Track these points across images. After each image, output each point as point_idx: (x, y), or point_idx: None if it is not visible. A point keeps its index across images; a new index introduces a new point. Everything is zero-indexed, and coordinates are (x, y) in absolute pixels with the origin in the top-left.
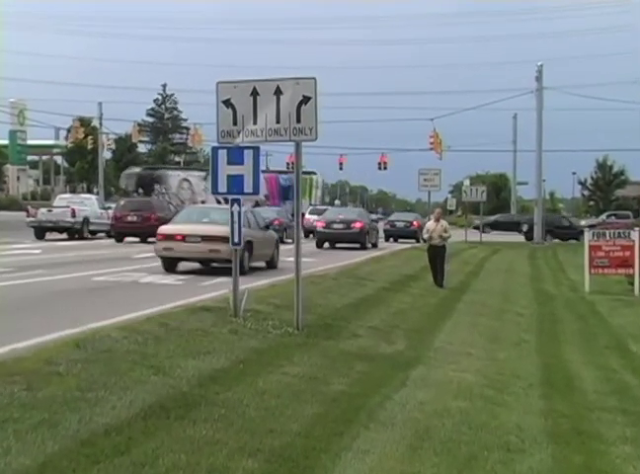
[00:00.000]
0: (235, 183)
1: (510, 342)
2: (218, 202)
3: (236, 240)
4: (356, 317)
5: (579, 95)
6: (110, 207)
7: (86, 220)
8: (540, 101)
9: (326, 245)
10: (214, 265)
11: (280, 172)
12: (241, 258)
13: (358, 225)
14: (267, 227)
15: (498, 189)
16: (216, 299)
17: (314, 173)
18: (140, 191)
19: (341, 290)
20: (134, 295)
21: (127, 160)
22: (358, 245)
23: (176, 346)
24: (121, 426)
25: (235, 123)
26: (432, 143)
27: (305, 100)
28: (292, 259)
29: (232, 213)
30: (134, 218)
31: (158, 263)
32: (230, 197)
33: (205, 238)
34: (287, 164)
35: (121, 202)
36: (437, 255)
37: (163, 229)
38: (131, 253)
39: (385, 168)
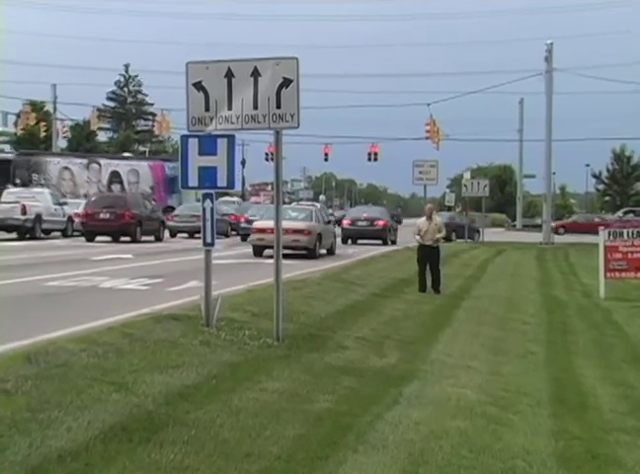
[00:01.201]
0: (207, 175)
1: (515, 354)
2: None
3: (208, 240)
4: (343, 326)
5: (593, 77)
6: (65, 203)
7: (38, 218)
8: (550, 84)
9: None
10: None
11: (166, 159)
12: (314, 246)
13: (381, 223)
14: (328, 222)
15: (502, 182)
16: (186, 307)
17: None
18: (17, 181)
19: (326, 296)
20: (94, 302)
21: (85, 149)
22: (380, 241)
23: (140, 359)
24: (78, 450)
25: (207, 109)
26: (428, 132)
27: (286, 82)
28: (279, 263)
29: (204, 210)
30: (107, 215)
31: (121, 266)
32: (202, 191)
33: (289, 230)
34: (267, 154)
35: (92, 198)
36: (430, 257)
37: (257, 224)
38: (91, 254)
39: (376, 159)
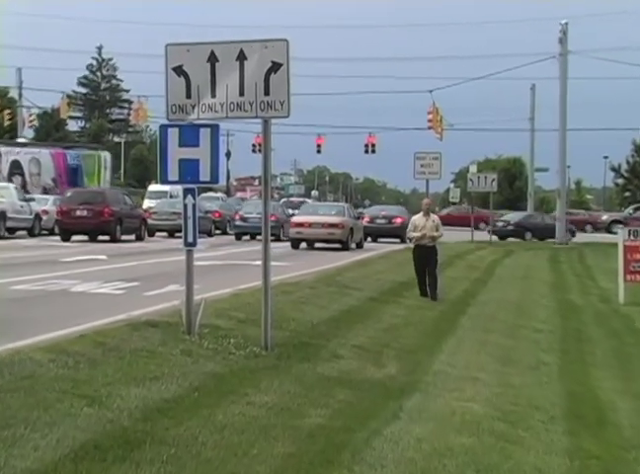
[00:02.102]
0: (189, 169)
1: (526, 365)
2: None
3: (190, 239)
4: (337, 334)
5: (612, 60)
6: (32, 199)
7: (2, 215)
8: (564, 68)
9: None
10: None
11: (68, 147)
12: (347, 239)
13: (398, 221)
14: (357, 218)
15: (511, 176)
16: (165, 312)
17: (100, 149)
18: None
19: (319, 301)
20: (64, 308)
21: (55, 140)
22: (398, 240)
23: (115, 370)
24: (46, 471)
25: (189, 96)
26: (430, 121)
27: (275, 67)
28: (268, 264)
29: (185, 207)
30: (84, 213)
31: (94, 268)
32: (183, 186)
33: (325, 225)
34: (254, 145)
35: (68, 194)
36: (426, 258)
37: (295, 219)
38: (61, 255)
39: (373, 151)
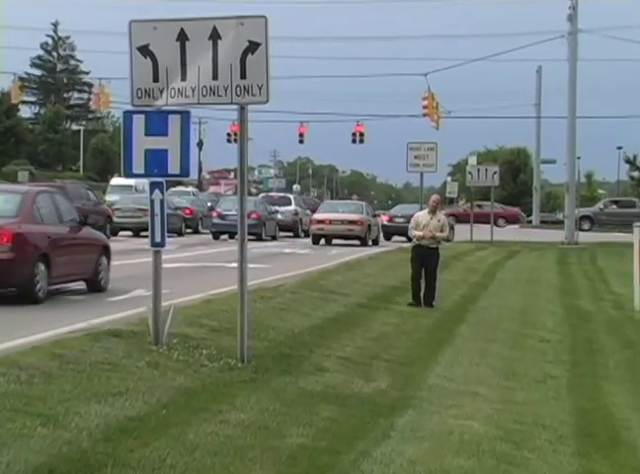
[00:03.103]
0: (156, 160)
1: (531, 378)
2: None
3: (157, 239)
4: (322, 344)
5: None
6: None
7: None
8: (574, 48)
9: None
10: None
11: None
12: (365, 235)
13: None
14: (374, 216)
15: (515, 169)
16: (130, 320)
17: None
18: None
19: (302, 308)
20: (16, 315)
21: (6, 128)
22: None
23: (73, 385)
24: None
25: (156, 79)
26: (425, 107)
27: (252, 47)
28: (244, 266)
29: (152, 203)
30: None
31: None
32: (149, 179)
33: (344, 221)
34: (229, 135)
35: None
36: (426, 260)
37: (317, 216)
38: None
39: (362, 141)
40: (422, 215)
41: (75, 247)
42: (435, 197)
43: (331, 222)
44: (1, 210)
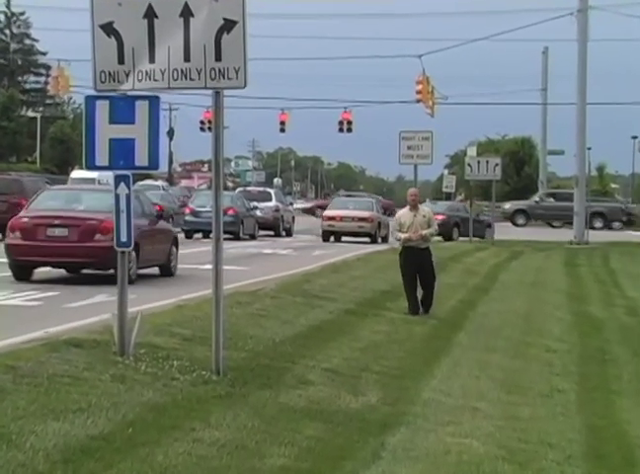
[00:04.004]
0: (122, 151)
1: (537, 392)
2: None
3: (123, 239)
4: (305, 354)
5: None
6: None
7: None
8: (584, 27)
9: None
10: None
11: None
12: (375, 232)
13: (439, 217)
14: (384, 213)
15: (519, 161)
16: (93, 329)
17: None
18: None
19: (283, 314)
20: None
21: None
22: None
23: (29, 401)
24: None
25: (121, 61)
26: (419, 93)
27: (228, 26)
28: (220, 268)
29: (117, 198)
30: None
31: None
32: (114, 172)
33: (355, 218)
34: (202, 123)
35: None
36: (418, 263)
37: (327, 213)
38: None
39: (350, 130)
40: (404, 214)
41: (154, 237)
42: (412, 190)
43: (341, 219)
44: (101, 207)
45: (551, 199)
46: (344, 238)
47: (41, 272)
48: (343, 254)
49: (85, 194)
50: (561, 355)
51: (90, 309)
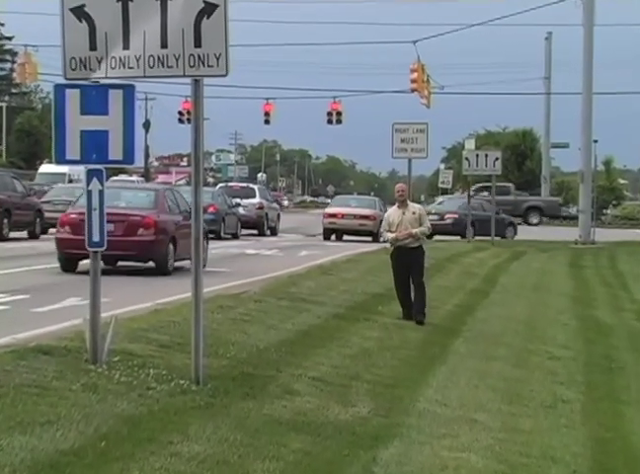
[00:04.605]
0: (94, 144)
1: (539, 402)
2: None
3: (95, 238)
4: (291, 362)
5: None
6: None
7: None
8: (590, 11)
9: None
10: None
11: None
12: (377, 231)
13: (451, 216)
14: (386, 211)
15: (520, 154)
16: (63, 335)
17: None
18: None
19: (268, 319)
20: None
21: None
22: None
23: None
24: None
25: (93, 47)
26: (414, 82)
27: (209, 9)
28: (199, 270)
29: (89, 194)
30: None
31: None
32: (86, 167)
33: (357, 216)
34: (181, 113)
35: None
36: (410, 264)
37: (328, 210)
38: None
39: (339, 121)
40: (392, 212)
41: (188, 232)
42: (399, 185)
43: (343, 217)
44: (142, 204)
45: (485, 193)
46: (345, 236)
47: (11, 274)
48: (332, 254)
49: (124, 192)
50: (565, 362)
51: (60, 313)
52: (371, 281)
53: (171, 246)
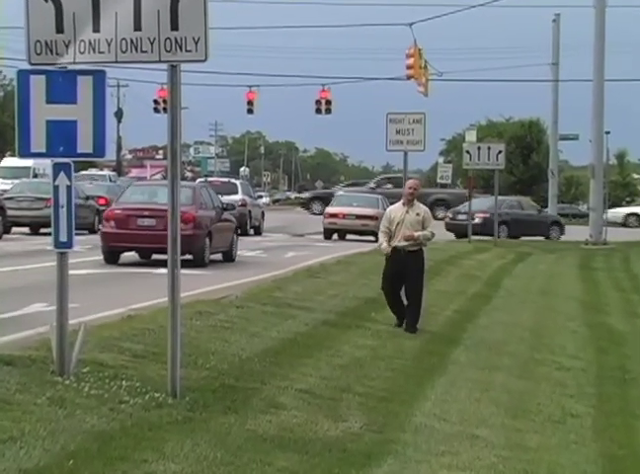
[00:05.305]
0: (61, 135)
1: (546, 417)
2: None
3: (63, 238)
4: (276, 373)
5: None
6: None
7: None
8: None
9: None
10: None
11: None
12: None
13: (480, 216)
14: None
15: (526, 147)
16: (26, 344)
17: None
18: None
19: (251, 326)
20: None
21: None
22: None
23: None
24: None
25: (60, 29)
26: (410, 68)
27: None
28: (177, 273)
29: (56, 190)
30: None
31: None
32: (52, 160)
33: (358, 216)
34: (156, 102)
35: None
36: (406, 269)
37: (329, 210)
38: None
39: (328, 111)
40: (395, 209)
41: (221, 227)
42: (411, 182)
43: (344, 216)
44: (182, 200)
45: (389, 186)
46: (348, 236)
47: None
48: (321, 256)
49: (162, 189)
50: (575, 373)
51: (23, 321)
52: (364, 285)
53: (207, 240)
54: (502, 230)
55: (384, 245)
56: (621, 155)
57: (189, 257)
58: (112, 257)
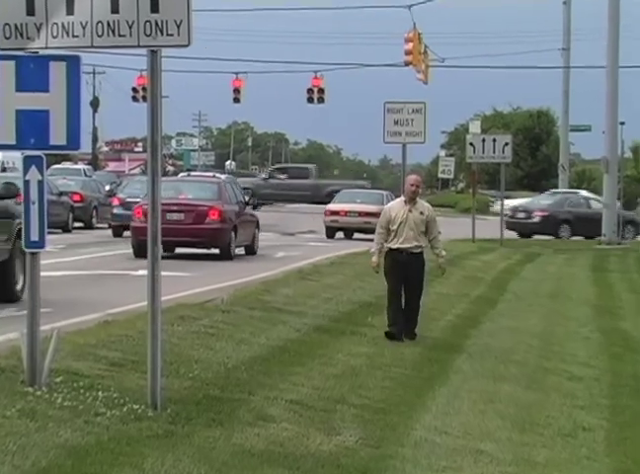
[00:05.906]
0: (32, 126)
1: (556, 430)
2: None
3: (34, 237)
4: (265, 383)
5: None
6: None
7: None
8: None
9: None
10: None
11: None
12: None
13: (540, 214)
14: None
15: (535, 139)
16: None
17: None
18: None
19: (237, 333)
20: None
21: None
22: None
23: None
24: None
25: (31, 12)
26: (409, 54)
27: None
28: (157, 275)
29: (27, 186)
30: None
31: None
32: (23, 153)
33: (361, 214)
34: (135, 90)
35: None
36: (407, 271)
37: (330, 207)
38: None
39: (321, 100)
40: (396, 207)
41: (245, 221)
42: (413, 177)
43: (346, 214)
44: (207, 195)
45: (282, 177)
46: (355, 234)
47: None
48: (312, 256)
49: (190, 184)
50: (587, 383)
51: None
52: (359, 288)
53: (233, 234)
54: (564, 230)
55: (374, 258)
56: (637, 148)
57: (215, 251)
58: (142, 251)
